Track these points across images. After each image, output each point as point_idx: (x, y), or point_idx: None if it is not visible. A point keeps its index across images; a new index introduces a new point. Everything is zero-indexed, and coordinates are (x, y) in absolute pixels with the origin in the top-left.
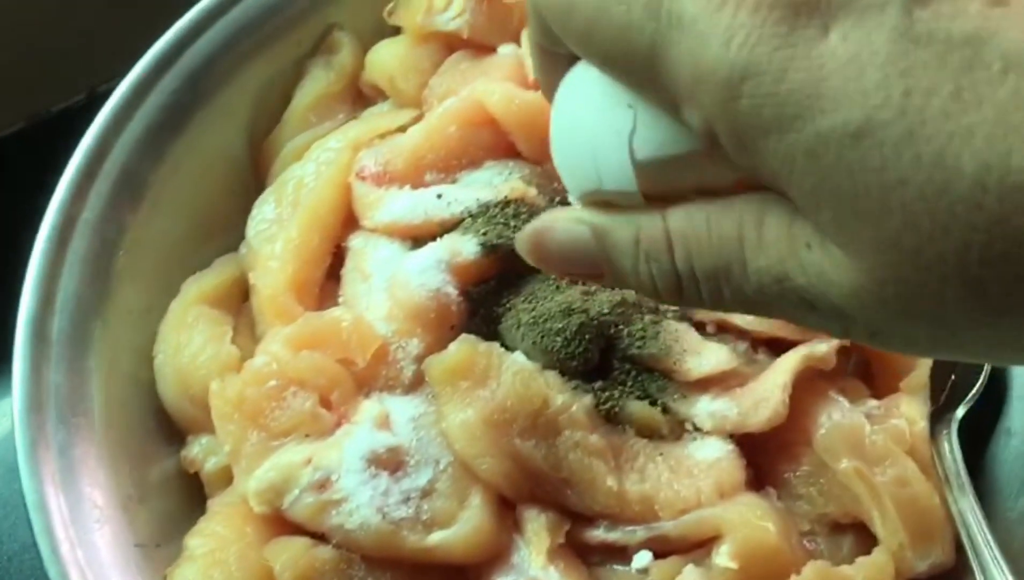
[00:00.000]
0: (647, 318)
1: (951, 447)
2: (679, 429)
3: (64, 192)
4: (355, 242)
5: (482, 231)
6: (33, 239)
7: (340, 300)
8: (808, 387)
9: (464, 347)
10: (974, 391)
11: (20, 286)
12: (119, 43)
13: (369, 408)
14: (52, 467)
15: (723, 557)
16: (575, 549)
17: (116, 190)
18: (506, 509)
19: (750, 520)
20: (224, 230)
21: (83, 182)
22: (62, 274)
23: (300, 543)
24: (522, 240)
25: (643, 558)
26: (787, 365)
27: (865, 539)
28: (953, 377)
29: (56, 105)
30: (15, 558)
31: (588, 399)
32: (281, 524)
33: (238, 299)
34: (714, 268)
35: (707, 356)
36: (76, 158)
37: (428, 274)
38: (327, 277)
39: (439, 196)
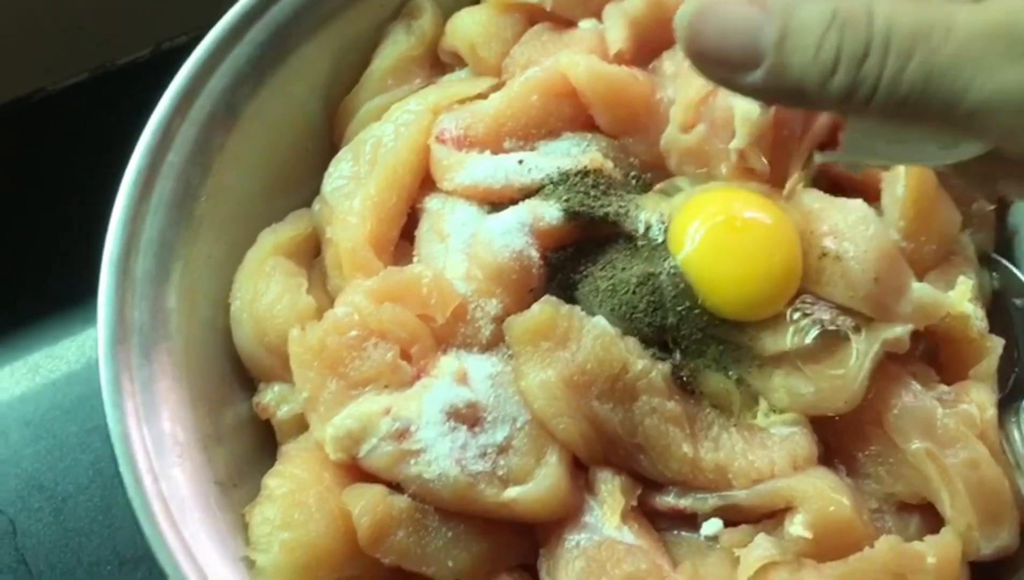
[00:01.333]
0: None
1: (1021, 434)
2: (750, 406)
3: (151, 136)
4: (432, 203)
5: (564, 197)
6: (95, 183)
7: (415, 259)
8: (880, 370)
9: (546, 308)
10: None
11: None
12: (186, 1)
13: (448, 363)
14: (136, 401)
15: (798, 527)
16: (644, 514)
17: (201, 136)
18: (578, 470)
19: (825, 492)
20: (297, 185)
21: (170, 126)
22: (147, 215)
23: (378, 490)
24: (682, 18)
25: (713, 526)
26: (869, 351)
27: (931, 520)
28: (1017, 370)
29: (121, 59)
30: (70, 499)
31: (666, 366)
32: (356, 472)
33: (311, 253)
34: (914, 31)
35: (782, 333)
36: (163, 103)
37: (511, 236)
38: (400, 237)
39: (520, 162)
